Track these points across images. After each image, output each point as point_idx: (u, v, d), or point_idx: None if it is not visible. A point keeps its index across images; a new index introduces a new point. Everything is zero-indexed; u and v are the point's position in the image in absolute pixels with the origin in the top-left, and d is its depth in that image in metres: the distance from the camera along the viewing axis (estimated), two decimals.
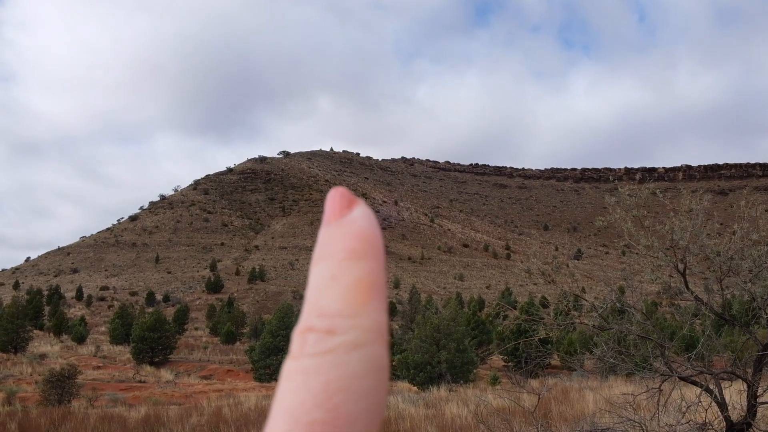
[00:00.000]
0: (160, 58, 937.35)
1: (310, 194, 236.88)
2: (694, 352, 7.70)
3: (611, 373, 20.68)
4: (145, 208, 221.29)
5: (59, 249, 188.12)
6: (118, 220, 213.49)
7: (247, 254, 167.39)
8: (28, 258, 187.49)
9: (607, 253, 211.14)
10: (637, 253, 7.82)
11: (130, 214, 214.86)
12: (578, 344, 32.37)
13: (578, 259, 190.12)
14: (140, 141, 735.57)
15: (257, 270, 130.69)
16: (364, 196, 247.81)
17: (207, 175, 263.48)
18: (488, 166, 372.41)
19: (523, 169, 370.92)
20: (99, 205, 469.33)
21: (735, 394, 8.01)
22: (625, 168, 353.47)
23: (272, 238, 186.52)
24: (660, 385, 7.50)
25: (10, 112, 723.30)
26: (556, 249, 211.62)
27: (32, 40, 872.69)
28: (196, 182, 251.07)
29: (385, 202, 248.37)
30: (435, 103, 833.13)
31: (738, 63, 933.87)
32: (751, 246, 7.49)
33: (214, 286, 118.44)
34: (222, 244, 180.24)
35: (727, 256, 7.44)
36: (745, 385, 7.22)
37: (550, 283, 8.86)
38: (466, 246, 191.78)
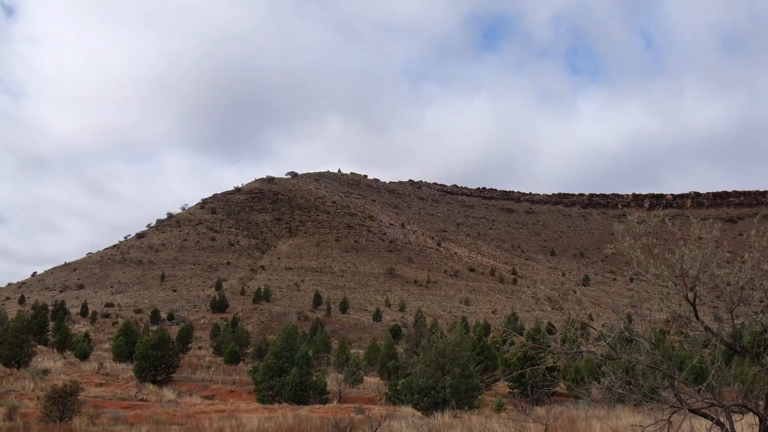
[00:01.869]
0: (169, 76, 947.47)
1: (317, 215, 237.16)
2: (705, 384, 7.58)
3: (619, 403, 20.39)
4: (152, 225, 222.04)
5: (65, 264, 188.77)
6: (125, 237, 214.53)
7: (252, 274, 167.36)
8: (35, 273, 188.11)
9: (614, 279, 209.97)
10: (645, 281, 7.76)
11: (138, 232, 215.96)
12: (585, 372, 32.00)
13: (586, 286, 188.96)
14: (148, 158, 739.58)
15: (262, 290, 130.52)
16: (371, 218, 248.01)
17: (214, 194, 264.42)
18: (495, 190, 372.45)
19: (531, 193, 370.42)
20: (106, 222, 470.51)
21: (746, 427, 7.89)
22: (633, 194, 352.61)
23: (278, 258, 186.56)
24: (669, 417, 7.39)
25: (19, 126, 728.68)
26: (563, 275, 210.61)
27: (43, 55, 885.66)
28: (204, 201, 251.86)
29: (391, 224, 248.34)
30: (443, 126, 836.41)
31: (744, 90, 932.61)
32: (762, 276, 7.41)
33: (219, 306, 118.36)
34: (228, 263, 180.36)
35: (737, 285, 7.37)
36: (757, 419, 7.11)
37: (557, 309, 8.79)
38: (472, 270, 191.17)
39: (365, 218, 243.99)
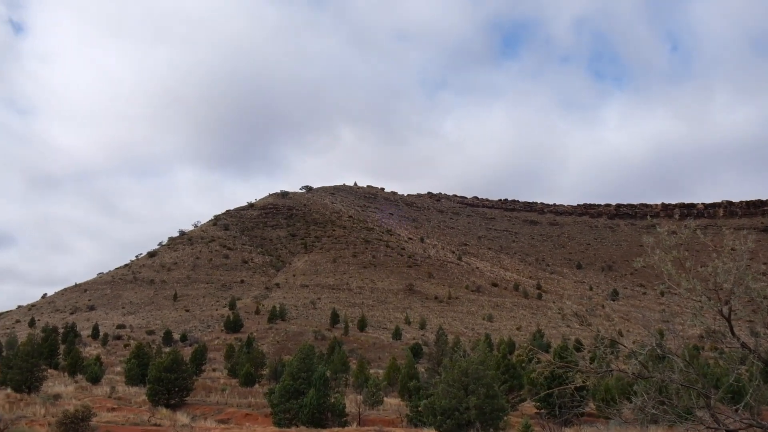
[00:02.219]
0: (180, 90, 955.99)
1: (333, 230, 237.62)
2: (742, 403, 7.47)
3: (652, 424, 20.14)
4: (164, 243, 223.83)
5: (76, 285, 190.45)
6: (137, 256, 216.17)
7: (267, 292, 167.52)
8: (45, 294, 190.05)
9: (644, 293, 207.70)
10: (677, 295, 7.68)
11: (149, 250, 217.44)
12: (616, 392, 31.64)
13: (614, 300, 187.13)
14: (159, 174, 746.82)
15: (278, 309, 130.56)
16: (389, 232, 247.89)
17: (227, 210, 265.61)
18: (518, 201, 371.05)
19: (555, 205, 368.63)
20: (117, 240, 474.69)
21: None
22: (662, 204, 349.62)
23: (293, 275, 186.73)
24: None
25: (29, 144, 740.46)
26: (591, 289, 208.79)
27: (52, 71, 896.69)
28: (216, 217, 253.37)
29: (410, 238, 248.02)
30: (462, 136, 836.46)
31: None
32: None
33: (233, 326, 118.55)
34: (242, 281, 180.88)
35: None
36: None
37: (584, 325, 8.71)
38: (495, 285, 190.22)
39: (383, 233, 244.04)
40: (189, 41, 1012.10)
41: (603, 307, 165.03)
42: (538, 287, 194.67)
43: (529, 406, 46.53)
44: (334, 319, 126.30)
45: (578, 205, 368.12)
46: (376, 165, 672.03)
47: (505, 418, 31.76)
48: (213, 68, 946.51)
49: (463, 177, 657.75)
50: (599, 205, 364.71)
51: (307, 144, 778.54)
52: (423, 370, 54.18)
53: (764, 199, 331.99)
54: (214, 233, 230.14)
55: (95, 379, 58.12)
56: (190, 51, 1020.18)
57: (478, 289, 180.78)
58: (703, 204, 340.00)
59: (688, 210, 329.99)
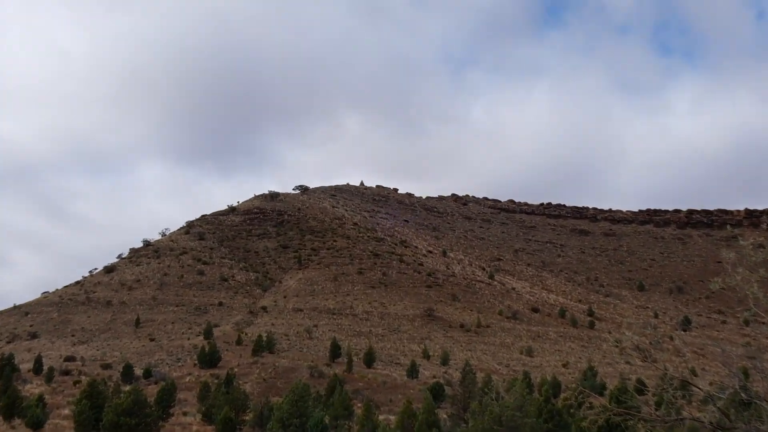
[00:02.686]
0: (145, 67, 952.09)
1: (334, 241, 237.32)
2: None
3: None
4: (124, 256, 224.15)
5: (15, 308, 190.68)
6: (90, 272, 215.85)
7: (251, 317, 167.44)
8: None
9: (724, 322, 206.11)
10: (765, 323, 7.59)
11: (106, 265, 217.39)
12: None
13: (685, 331, 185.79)
14: (119, 171, 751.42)
15: (264, 338, 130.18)
16: (404, 244, 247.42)
17: (203, 216, 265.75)
18: (564, 206, 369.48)
19: (611, 210, 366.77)
20: (66, 252, 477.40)
21: None
22: (746, 210, 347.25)
23: (284, 297, 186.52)
24: None
25: None
26: (656, 316, 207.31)
27: None
28: (189, 224, 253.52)
29: (430, 252, 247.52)
30: (494, 125, 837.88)
31: None
32: None
33: (209, 359, 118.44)
34: (220, 303, 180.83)
35: None
36: None
37: (648, 361, 8.65)
38: (535, 311, 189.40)
39: (396, 244, 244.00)
40: (156, 8, 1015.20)
41: (671, 338, 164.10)
42: (590, 313, 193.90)
43: None
44: (335, 351, 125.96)
45: (640, 211, 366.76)
46: (387, 160, 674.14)
47: None
48: (186, 40, 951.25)
49: (495, 175, 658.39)
50: (666, 212, 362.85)
51: (303, 134, 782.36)
52: (445, 416, 54.05)
53: None
54: (187, 244, 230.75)
55: (37, 424, 58.32)
56: (158, 19, 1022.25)
57: (514, 316, 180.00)
58: None
59: None
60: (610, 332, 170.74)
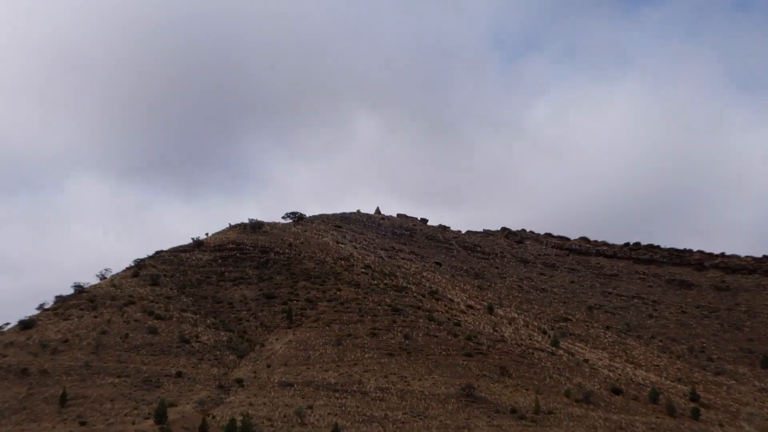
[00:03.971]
0: (79, 49, 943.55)
1: (338, 290, 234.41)
2: None
3: None
4: (47, 307, 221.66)
5: None
6: (0, 328, 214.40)
7: (222, 394, 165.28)
8: None
9: None
10: None
11: (21, 319, 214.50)
12: None
13: None
14: (41, 189, 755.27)
15: (239, 423, 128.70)
16: (434, 296, 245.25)
17: (158, 253, 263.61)
18: (659, 248, 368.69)
19: (724, 255, 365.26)
20: None
21: None
22: None
23: (268, 366, 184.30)
24: None
25: None
26: None
27: None
28: (139, 264, 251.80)
29: (471, 307, 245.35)
30: (562, 133, 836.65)
31: None
32: None
33: None
34: (179, 374, 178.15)
35: None
36: None
37: None
38: (617, 392, 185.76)
39: (423, 296, 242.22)
40: None
41: None
42: (694, 398, 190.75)
43: None
44: None
45: (765, 257, 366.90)
46: (414, 180, 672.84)
47: None
48: (138, 10, 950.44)
49: (562, 203, 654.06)
50: None
51: (298, 142, 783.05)
52: None
53: None
54: (135, 291, 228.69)
55: None
56: None
57: (587, 399, 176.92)
58: None
59: None
60: (722, 425, 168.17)
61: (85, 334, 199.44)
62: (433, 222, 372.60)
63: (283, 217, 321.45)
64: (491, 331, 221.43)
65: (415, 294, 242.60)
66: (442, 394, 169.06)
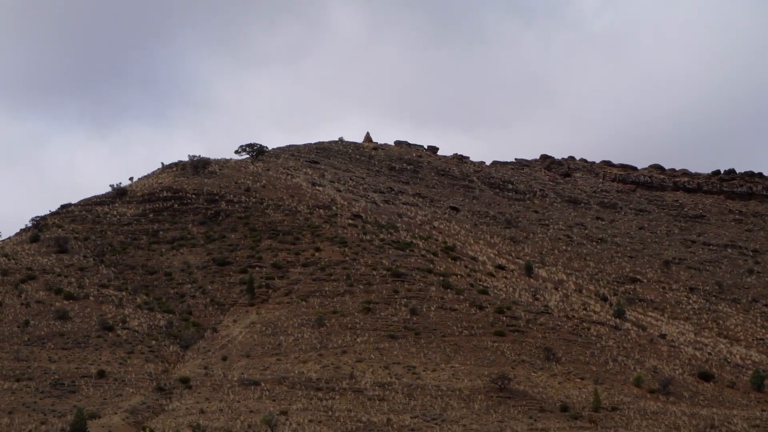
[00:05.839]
0: None
1: (317, 249, 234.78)
2: None
3: None
4: None
5: None
6: None
7: (161, 399, 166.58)
8: None
9: None
10: None
11: None
12: None
13: None
14: None
15: None
16: (449, 253, 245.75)
17: (64, 207, 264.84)
18: (760, 177, 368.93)
19: None
20: None
21: None
22: None
23: (224, 358, 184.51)
24: None
25: None
26: None
27: None
28: (38, 224, 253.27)
29: (501, 267, 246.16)
30: (618, 24, 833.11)
31: None
32: None
33: None
34: (101, 373, 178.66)
35: None
36: None
37: None
38: (706, 377, 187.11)
39: (435, 254, 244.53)
40: None
41: None
42: None
43: None
44: None
45: None
46: (416, 93, 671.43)
47: None
48: None
49: (624, 121, 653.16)
50: None
51: (250, 47, 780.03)
52: None
53: None
54: (35, 261, 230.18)
55: None
56: None
57: (665, 388, 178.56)
58: None
59: None
60: None
61: None
62: (445, 151, 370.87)
63: (236, 152, 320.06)
64: (530, 300, 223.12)
65: (423, 252, 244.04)
66: (465, 389, 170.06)
